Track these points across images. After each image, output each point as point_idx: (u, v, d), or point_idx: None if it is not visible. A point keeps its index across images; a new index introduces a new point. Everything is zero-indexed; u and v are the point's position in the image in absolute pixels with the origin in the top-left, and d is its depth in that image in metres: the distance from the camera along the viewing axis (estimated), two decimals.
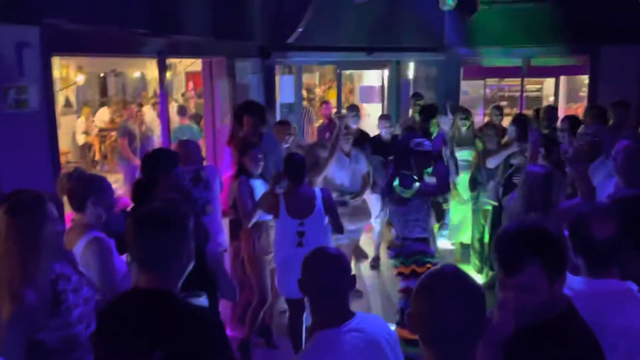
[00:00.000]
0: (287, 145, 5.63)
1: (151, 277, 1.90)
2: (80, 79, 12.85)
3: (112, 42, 4.69)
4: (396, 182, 4.36)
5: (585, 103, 9.68)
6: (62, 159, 7.62)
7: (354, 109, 7.12)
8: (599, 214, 2.10)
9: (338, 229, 4.46)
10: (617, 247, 2.06)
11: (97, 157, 12.35)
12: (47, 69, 3.92)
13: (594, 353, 1.77)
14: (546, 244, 1.79)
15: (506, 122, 6.82)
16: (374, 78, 11.42)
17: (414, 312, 1.53)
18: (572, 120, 5.72)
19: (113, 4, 4.43)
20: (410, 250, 4.39)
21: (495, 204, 5.82)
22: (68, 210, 3.38)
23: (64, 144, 10.17)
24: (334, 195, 5.72)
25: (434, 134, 6.84)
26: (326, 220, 4.36)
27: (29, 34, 3.72)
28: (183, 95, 13.95)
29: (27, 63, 3.70)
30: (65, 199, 3.21)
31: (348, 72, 12.33)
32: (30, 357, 2.33)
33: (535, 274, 1.75)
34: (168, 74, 8.65)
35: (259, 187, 4.71)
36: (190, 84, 14.53)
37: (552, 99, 11.61)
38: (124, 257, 3.37)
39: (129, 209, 4.27)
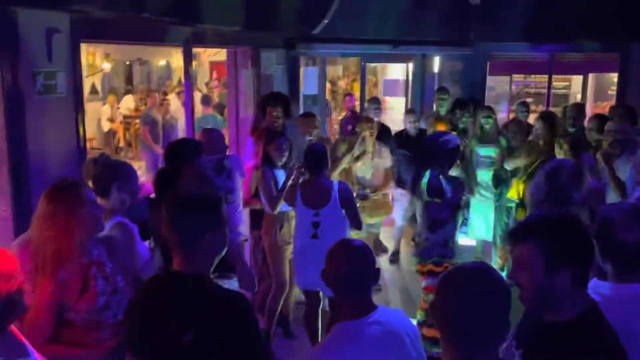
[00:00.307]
0: (310, 138, 5.63)
1: (180, 260, 1.93)
2: (107, 66, 12.99)
3: (139, 30, 4.73)
4: (425, 181, 4.20)
5: (613, 101, 9.51)
6: (87, 145, 7.73)
7: (375, 102, 7.11)
8: (625, 217, 2.05)
9: (356, 224, 4.39)
10: None
11: (122, 144, 12.50)
12: (75, 55, 3.96)
13: (617, 358, 1.72)
14: (553, 231, 1.76)
15: (532, 119, 6.73)
16: (398, 72, 11.35)
17: (436, 305, 1.53)
18: (600, 118, 5.61)
19: None
20: (429, 253, 4.30)
21: (518, 201, 5.76)
22: None
23: (89, 130, 10.27)
24: (355, 188, 5.73)
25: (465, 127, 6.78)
26: (342, 213, 4.31)
27: (58, 20, 3.76)
28: (207, 84, 14.02)
29: (56, 49, 3.75)
30: (90, 184, 3.26)
31: (372, 65, 12.26)
32: (57, 331, 2.40)
33: (530, 252, 1.73)
34: (193, 64, 8.70)
35: (282, 178, 4.72)
36: (215, 74, 14.59)
37: (579, 96, 11.44)
38: (147, 243, 3.41)
39: (152, 196, 4.31)
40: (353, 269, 2.02)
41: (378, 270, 2.08)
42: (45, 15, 3.66)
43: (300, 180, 4.38)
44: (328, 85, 11.72)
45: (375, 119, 6.53)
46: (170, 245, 1.96)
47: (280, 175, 4.73)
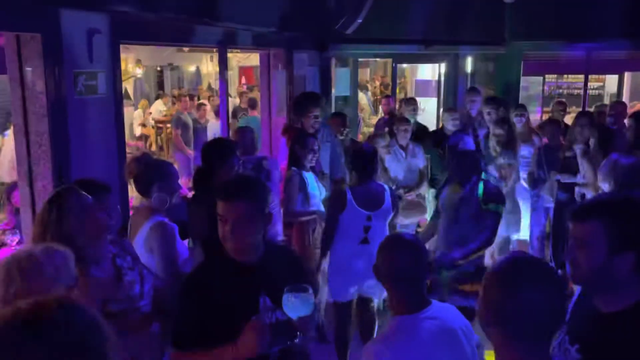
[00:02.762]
0: (342, 138, 5.58)
1: None
2: (138, 72, 13.16)
3: (177, 31, 4.77)
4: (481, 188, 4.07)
5: None
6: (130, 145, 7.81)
7: (412, 103, 6.99)
8: None
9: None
10: None
11: (154, 148, 12.62)
12: (115, 56, 4.00)
13: None
14: (621, 211, 1.68)
15: (568, 119, 6.60)
16: (429, 73, 11.25)
17: (488, 305, 1.43)
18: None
19: None
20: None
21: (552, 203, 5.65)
22: (133, 194, 3.44)
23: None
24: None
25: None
26: (390, 217, 4.09)
27: (99, 21, 3.80)
28: (237, 89, 14.11)
29: (96, 50, 3.79)
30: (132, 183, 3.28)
31: (402, 66, 12.18)
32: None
33: (594, 230, 1.65)
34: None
35: (312, 180, 4.60)
36: (243, 79, 14.68)
37: (613, 96, 11.17)
38: (186, 242, 3.42)
39: (188, 196, 4.33)
40: (406, 263, 2.01)
41: (430, 265, 2.06)
42: (85, 16, 3.71)
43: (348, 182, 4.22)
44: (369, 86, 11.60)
45: (412, 120, 6.42)
46: None
47: (309, 177, 4.60)
